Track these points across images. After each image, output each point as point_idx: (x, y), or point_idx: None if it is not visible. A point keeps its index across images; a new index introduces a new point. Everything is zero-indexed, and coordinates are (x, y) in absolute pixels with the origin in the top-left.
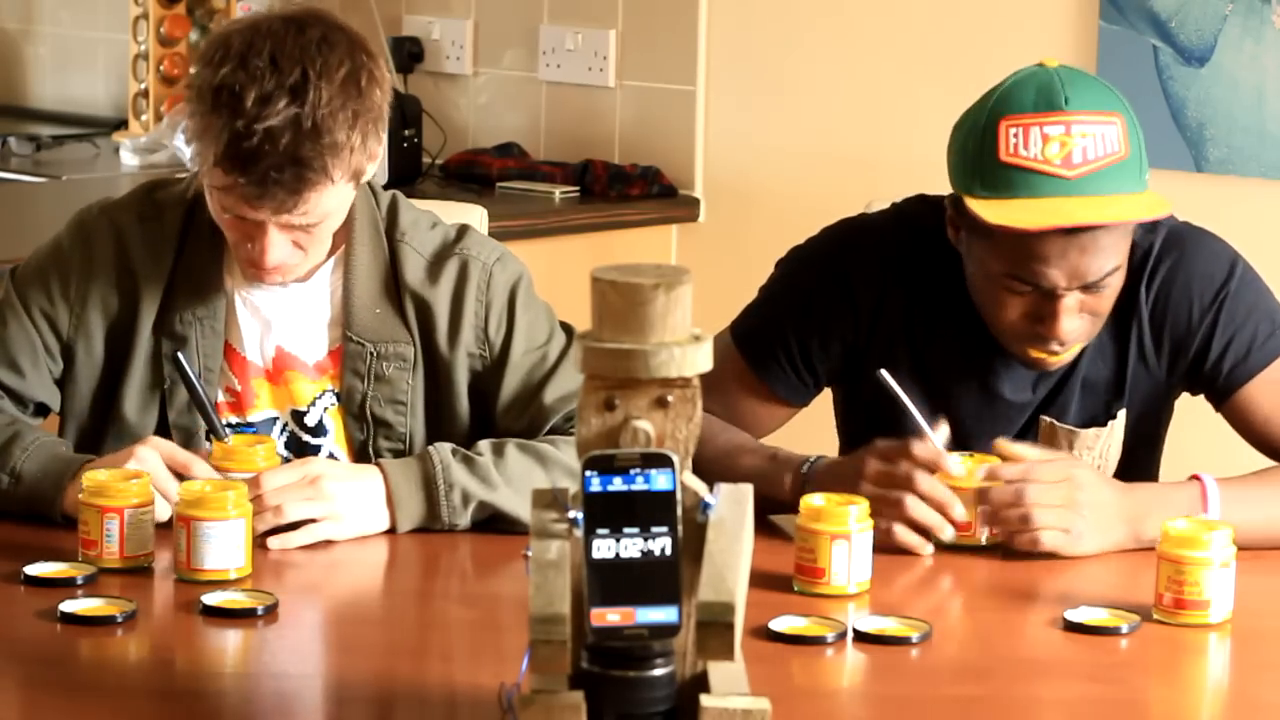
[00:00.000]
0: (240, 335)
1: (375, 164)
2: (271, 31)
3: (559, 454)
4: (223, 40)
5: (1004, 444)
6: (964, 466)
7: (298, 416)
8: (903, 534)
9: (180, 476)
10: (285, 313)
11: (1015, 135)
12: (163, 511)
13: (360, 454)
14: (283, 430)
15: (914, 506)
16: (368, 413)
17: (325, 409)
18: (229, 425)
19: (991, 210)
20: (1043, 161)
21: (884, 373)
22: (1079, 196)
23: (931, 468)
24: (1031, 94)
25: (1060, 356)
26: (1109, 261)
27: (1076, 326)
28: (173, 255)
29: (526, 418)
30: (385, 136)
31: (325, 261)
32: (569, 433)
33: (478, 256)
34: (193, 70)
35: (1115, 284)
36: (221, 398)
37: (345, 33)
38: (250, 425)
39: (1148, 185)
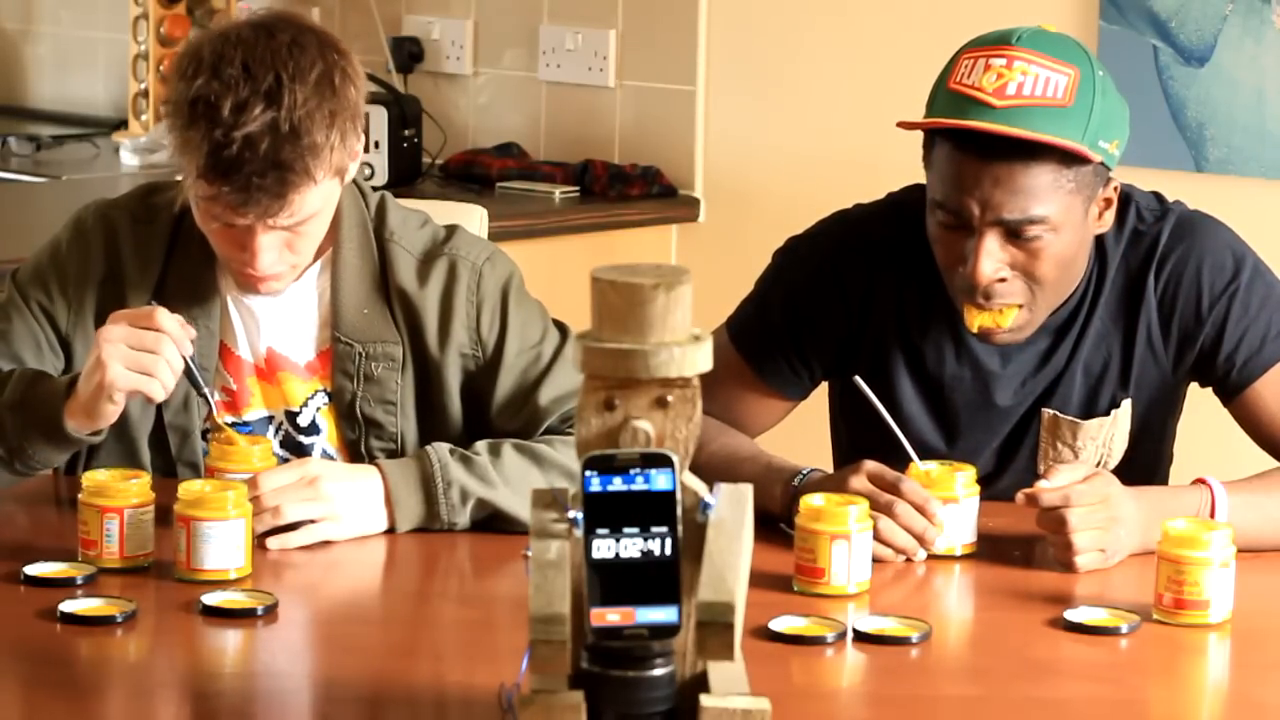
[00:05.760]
0: (234, 335)
1: (358, 161)
2: (241, 39)
3: (555, 454)
4: (194, 52)
5: (1041, 485)
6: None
7: (291, 416)
8: (875, 547)
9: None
10: (276, 314)
11: (967, 65)
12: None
13: (352, 454)
14: (277, 430)
15: (888, 530)
16: (358, 413)
17: (318, 409)
18: (228, 423)
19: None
20: (976, 89)
21: (859, 380)
22: (1001, 125)
23: (917, 508)
24: (997, 33)
25: (998, 322)
26: (1031, 204)
27: (995, 269)
28: (164, 257)
29: (521, 418)
30: (363, 132)
31: (314, 263)
32: (564, 433)
33: (466, 256)
34: (169, 85)
35: (1053, 247)
36: (218, 397)
37: (315, 34)
38: (246, 424)
39: (1099, 148)
